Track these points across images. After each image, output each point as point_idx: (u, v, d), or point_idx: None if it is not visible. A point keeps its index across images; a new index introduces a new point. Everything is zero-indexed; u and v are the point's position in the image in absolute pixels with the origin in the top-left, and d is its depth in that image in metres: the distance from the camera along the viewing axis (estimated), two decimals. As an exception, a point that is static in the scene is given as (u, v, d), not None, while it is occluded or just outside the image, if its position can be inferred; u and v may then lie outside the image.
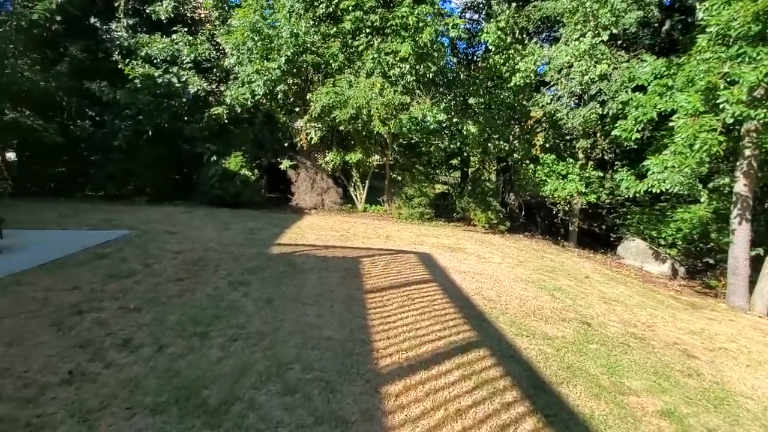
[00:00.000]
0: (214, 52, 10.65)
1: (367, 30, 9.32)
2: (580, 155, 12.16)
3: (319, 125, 10.18)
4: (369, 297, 4.48)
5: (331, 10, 9.51)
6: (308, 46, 9.26)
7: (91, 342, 3.07)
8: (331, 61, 9.41)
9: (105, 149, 11.24)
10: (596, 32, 9.38)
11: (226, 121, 10.67)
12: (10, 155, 12.54)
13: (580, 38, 9.40)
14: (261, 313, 3.81)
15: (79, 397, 2.46)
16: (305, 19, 9.26)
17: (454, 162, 17.26)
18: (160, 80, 10.05)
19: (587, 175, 11.29)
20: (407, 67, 8.46)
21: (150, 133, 11.11)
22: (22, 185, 11.40)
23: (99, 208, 9.50)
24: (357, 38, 9.44)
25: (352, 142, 11.17)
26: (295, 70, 9.69)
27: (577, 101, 11.79)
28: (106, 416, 2.35)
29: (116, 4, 10.74)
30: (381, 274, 5.43)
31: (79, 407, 2.38)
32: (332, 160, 10.56)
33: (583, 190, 10.98)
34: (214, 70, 10.92)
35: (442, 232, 9.69)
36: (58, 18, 9.81)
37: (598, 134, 12.16)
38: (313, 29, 9.24)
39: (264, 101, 10.52)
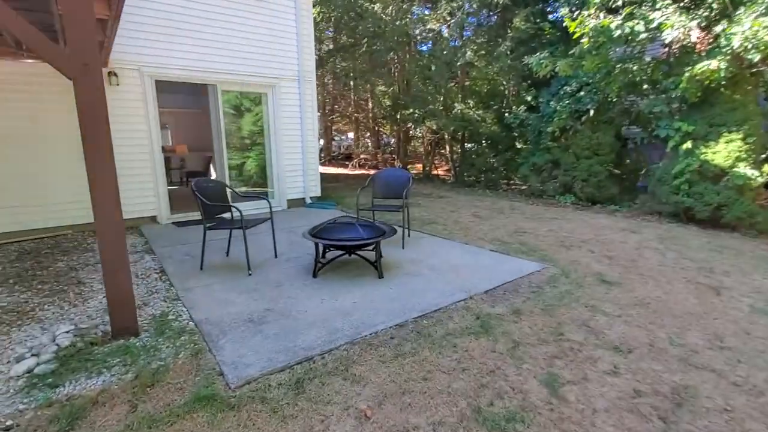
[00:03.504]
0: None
1: None
2: None
3: None
4: None
5: None
6: None
7: None
8: None
9: (536, 137, 9.60)
10: None
11: (723, 83, 6.17)
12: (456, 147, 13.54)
13: None
14: None
15: None
16: None
17: None
18: (617, 32, 6.89)
19: None
20: None
21: (591, 113, 8.37)
22: (461, 175, 11.84)
23: (516, 209, 7.84)
24: None
25: None
26: None
27: None
28: None
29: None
30: None
31: None
32: None
33: None
34: (711, -4, 6.50)
35: None
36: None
37: None
38: None
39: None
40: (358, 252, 4.13)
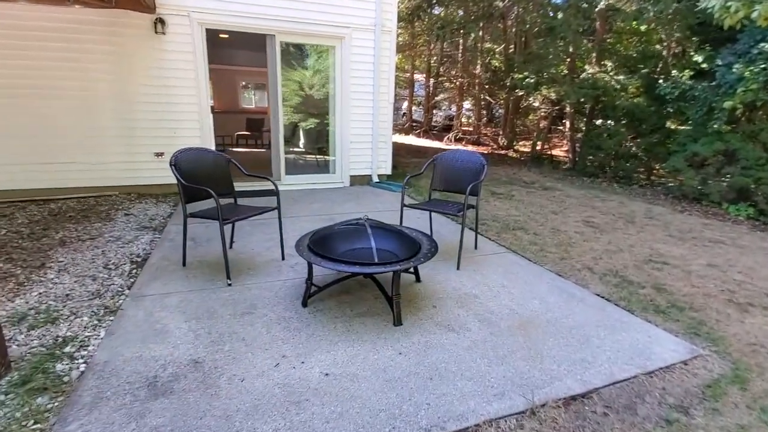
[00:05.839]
0: None
1: None
2: None
3: None
4: None
5: None
6: None
7: None
8: None
9: (702, 115, 6.78)
10: None
11: None
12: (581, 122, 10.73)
13: None
14: None
15: None
16: None
17: None
18: None
19: None
20: None
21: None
22: (581, 161, 9.32)
23: (655, 217, 5.51)
24: None
25: None
26: None
27: None
28: None
29: None
30: None
31: None
32: None
33: None
34: None
35: None
36: None
37: None
38: None
39: None
40: (374, 276, 2.80)
